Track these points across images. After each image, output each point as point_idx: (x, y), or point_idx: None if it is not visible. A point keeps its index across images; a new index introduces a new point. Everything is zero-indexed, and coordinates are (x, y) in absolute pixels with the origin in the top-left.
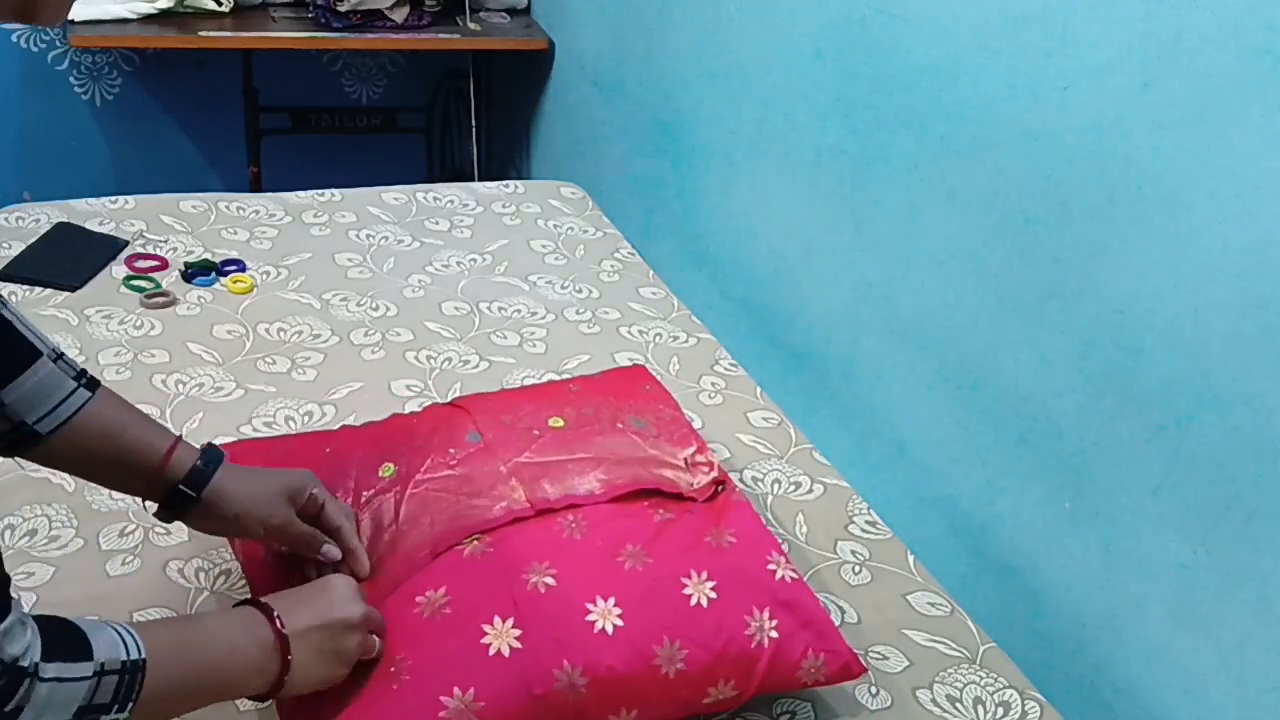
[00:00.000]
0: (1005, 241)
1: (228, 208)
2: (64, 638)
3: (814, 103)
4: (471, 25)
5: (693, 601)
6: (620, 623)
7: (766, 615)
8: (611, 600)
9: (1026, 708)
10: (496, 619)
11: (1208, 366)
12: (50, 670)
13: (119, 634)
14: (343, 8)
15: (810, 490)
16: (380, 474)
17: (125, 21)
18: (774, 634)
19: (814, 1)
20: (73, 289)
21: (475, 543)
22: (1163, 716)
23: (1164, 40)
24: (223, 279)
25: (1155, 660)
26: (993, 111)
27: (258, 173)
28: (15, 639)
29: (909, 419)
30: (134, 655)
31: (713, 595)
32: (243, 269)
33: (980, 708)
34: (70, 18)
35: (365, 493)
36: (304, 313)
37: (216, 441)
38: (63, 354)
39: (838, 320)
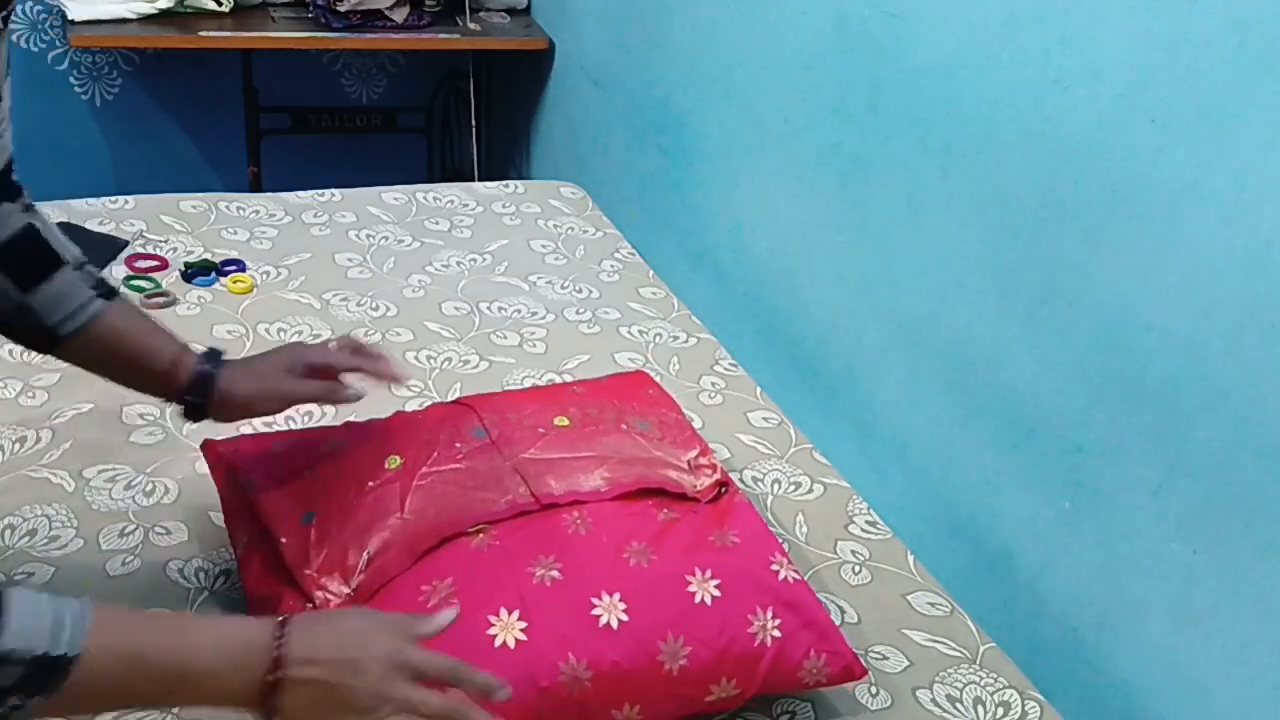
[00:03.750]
0: (1005, 241)
1: (228, 208)
2: None
3: (814, 102)
4: (471, 25)
5: (697, 599)
6: (625, 618)
7: (769, 615)
8: (617, 595)
9: (1026, 708)
10: (502, 611)
11: (1208, 366)
12: None
13: (55, 622)
14: (342, 7)
15: (810, 490)
16: (386, 465)
17: (125, 21)
18: (776, 634)
19: (814, 1)
20: None
21: (481, 535)
22: (1163, 716)
23: (1164, 40)
24: (223, 279)
25: (1155, 660)
26: (993, 111)
27: (258, 173)
28: None
29: (909, 419)
30: (59, 651)
31: (716, 594)
32: (243, 269)
33: (980, 708)
34: (70, 18)
35: (370, 483)
36: (304, 313)
37: (216, 439)
38: (85, 263)
39: (838, 320)
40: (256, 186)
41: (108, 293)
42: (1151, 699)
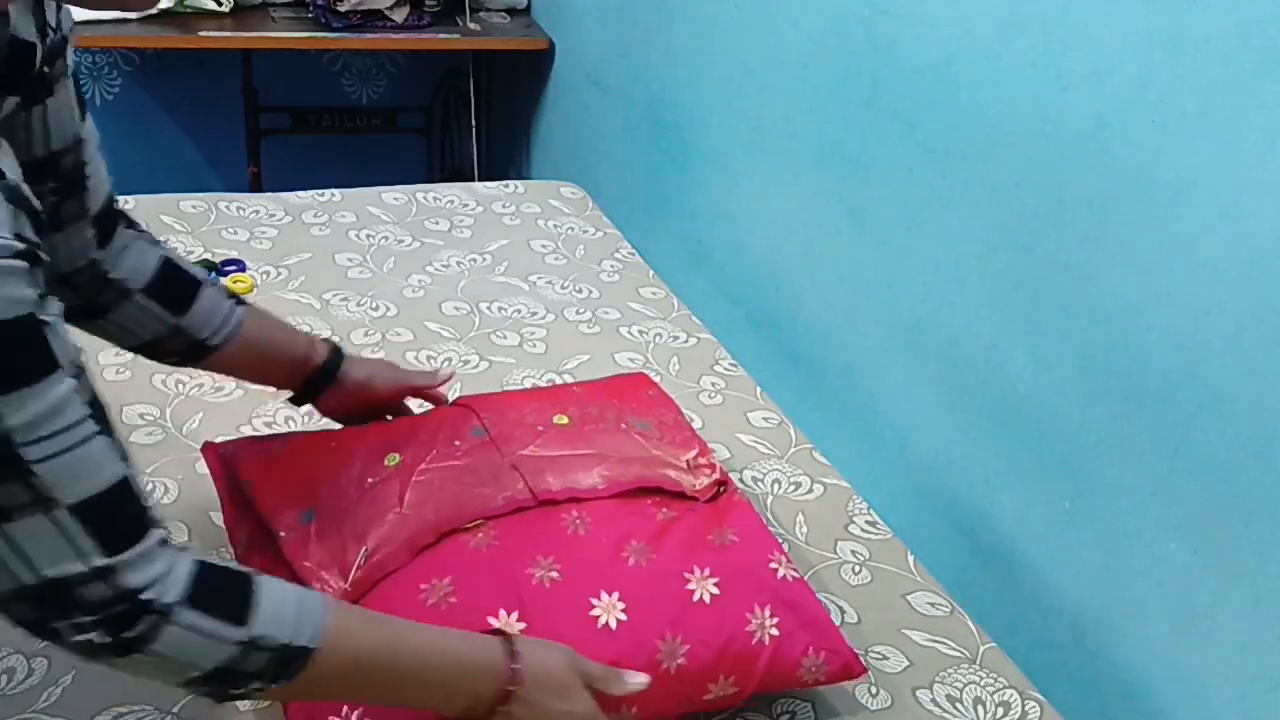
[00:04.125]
0: (1005, 241)
1: (228, 208)
2: (223, 591)
3: (814, 102)
4: (471, 25)
5: (695, 598)
6: (624, 617)
7: (768, 613)
8: (615, 595)
9: (1026, 708)
10: (501, 612)
11: (1208, 366)
12: (189, 617)
13: (303, 610)
14: (342, 8)
15: (810, 490)
16: (385, 463)
17: (125, 21)
18: (775, 632)
19: (814, 1)
20: None
21: (480, 534)
22: (1163, 716)
23: (1164, 40)
24: (223, 279)
25: (1155, 660)
26: (993, 111)
27: (258, 173)
28: (142, 569)
29: (909, 419)
30: (302, 641)
31: (715, 592)
32: (243, 269)
33: (980, 708)
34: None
35: (369, 480)
36: (304, 313)
37: (216, 440)
38: (209, 279)
39: (838, 320)
40: (256, 186)
41: (239, 300)
42: (1152, 699)
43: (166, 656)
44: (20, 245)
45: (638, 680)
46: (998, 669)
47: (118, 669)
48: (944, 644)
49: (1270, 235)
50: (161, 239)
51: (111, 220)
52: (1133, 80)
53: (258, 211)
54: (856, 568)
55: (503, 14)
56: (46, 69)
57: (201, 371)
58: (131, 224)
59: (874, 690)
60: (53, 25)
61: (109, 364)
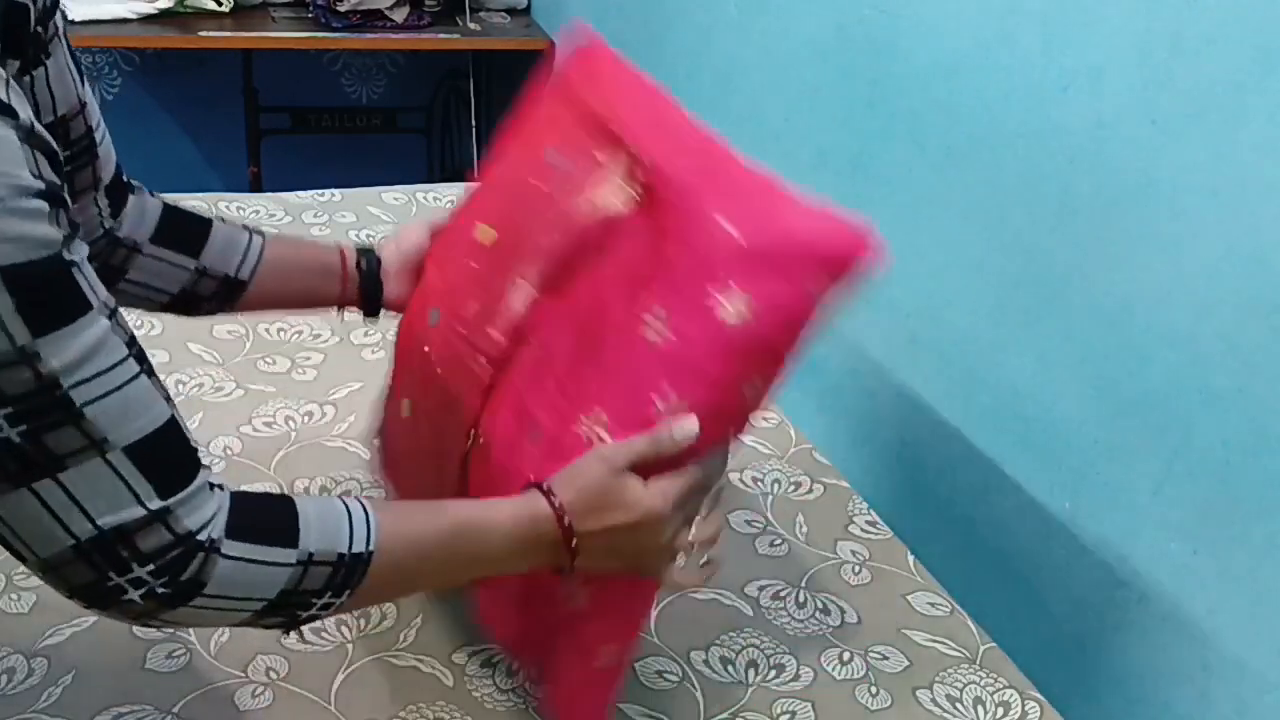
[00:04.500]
0: (1005, 241)
1: (227, 208)
2: (265, 517)
3: (813, 103)
4: (471, 25)
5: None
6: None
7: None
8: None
9: (1026, 708)
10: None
11: (1208, 367)
12: (236, 549)
13: (351, 520)
14: (342, 8)
15: (810, 490)
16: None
17: (125, 21)
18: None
19: (813, 1)
20: None
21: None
22: (1163, 717)
23: (1164, 40)
24: None
25: (1155, 660)
26: (993, 111)
27: (257, 173)
28: (197, 509)
29: (909, 419)
30: (358, 548)
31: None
32: None
33: (980, 708)
34: (70, 18)
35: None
36: (304, 312)
37: (218, 440)
38: (219, 216)
39: (837, 320)
40: (256, 186)
41: (256, 229)
42: (1152, 699)
43: (225, 594)
44: (40, 184)
45: (686, 429)
46: (998, 669)
47: (182, 624)
48: (944, 644)
49: (1270, 235)
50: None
51: (123, 190)
52: (1133, 80)
53: (258, 211)
54: (856, 568)
55: (503, 14)
56: (40, 30)
57: (201, 370)
58: (130, 186)
59: (874, 690)
60: None
61: None
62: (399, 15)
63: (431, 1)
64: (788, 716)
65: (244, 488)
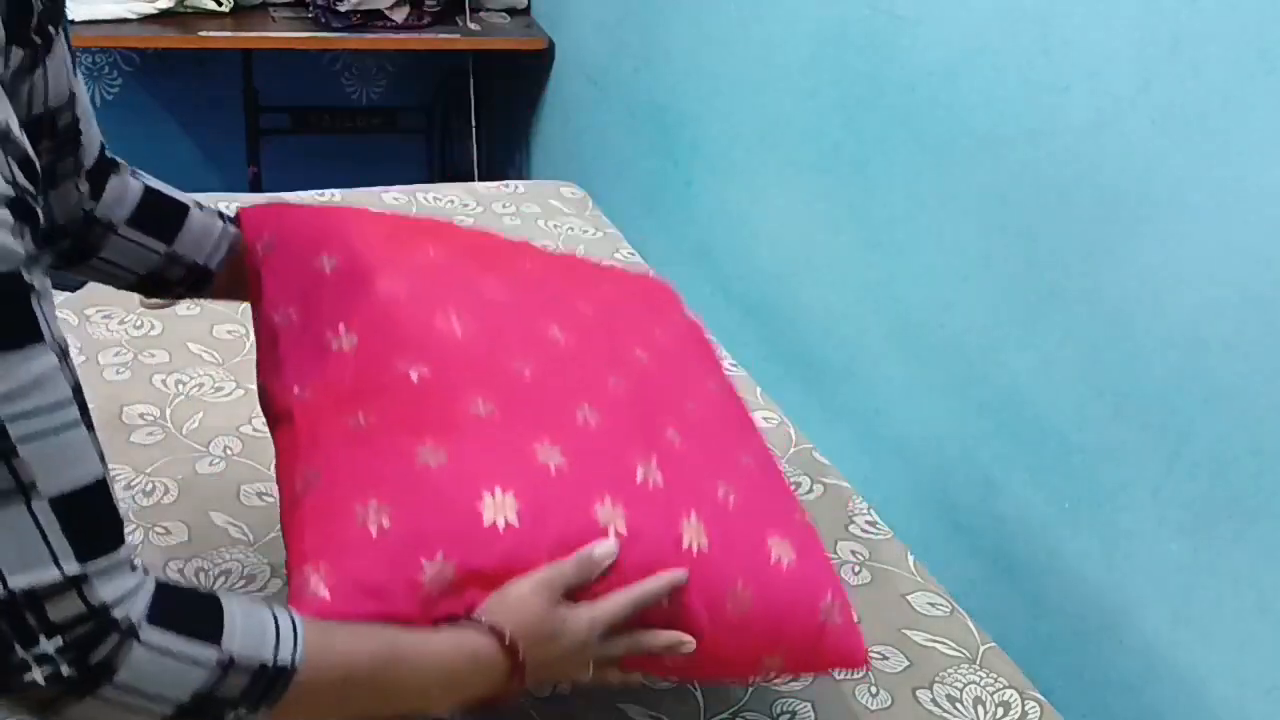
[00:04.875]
0: (1006, 241)
1: (227, 208)
2: (189, 608)
3: (814, 102)
4: (471, 25)
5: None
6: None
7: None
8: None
9: (1026, 708)
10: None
11: (1208, 366)
12: (155, 637)
13: (278, 629)
14: (343, 8)
15: (810, 490)
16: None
17: (125, 21)
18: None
19: (814, 2)
20: (73, 289)
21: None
22: (1162, 717)
23: (1164, 40)
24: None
25: (1155, 661)
26: (993, 111)
27: (257, 173)
28: (110, 582)
29: (909, 419)
30: (283, 660)
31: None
32: None
33: (980, 708)
34: (70, 18)
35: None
36: None
37: (218, 440)
38: (199, 202)
39: (838, 320)
40: (256, 187)
41: (231, 219)
42: (1151, 699)
43: (136, 687)
44: (11, 192)
45: (606, 549)
46: (998, 669)
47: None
48: (944, 644)
49: (1270, 235)
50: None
51: (104, 173)
52: (1132, 80)
53: None
54: (856, 568)
55: (502, 14)
56: (51, 28)
57: (201, 370)
58: (123, 170)
59: (874, 690)
60: None
61: (109, 364)
62: (399, 15)
63: (431, 2)
64: (788, 716)
65: (171, 579)
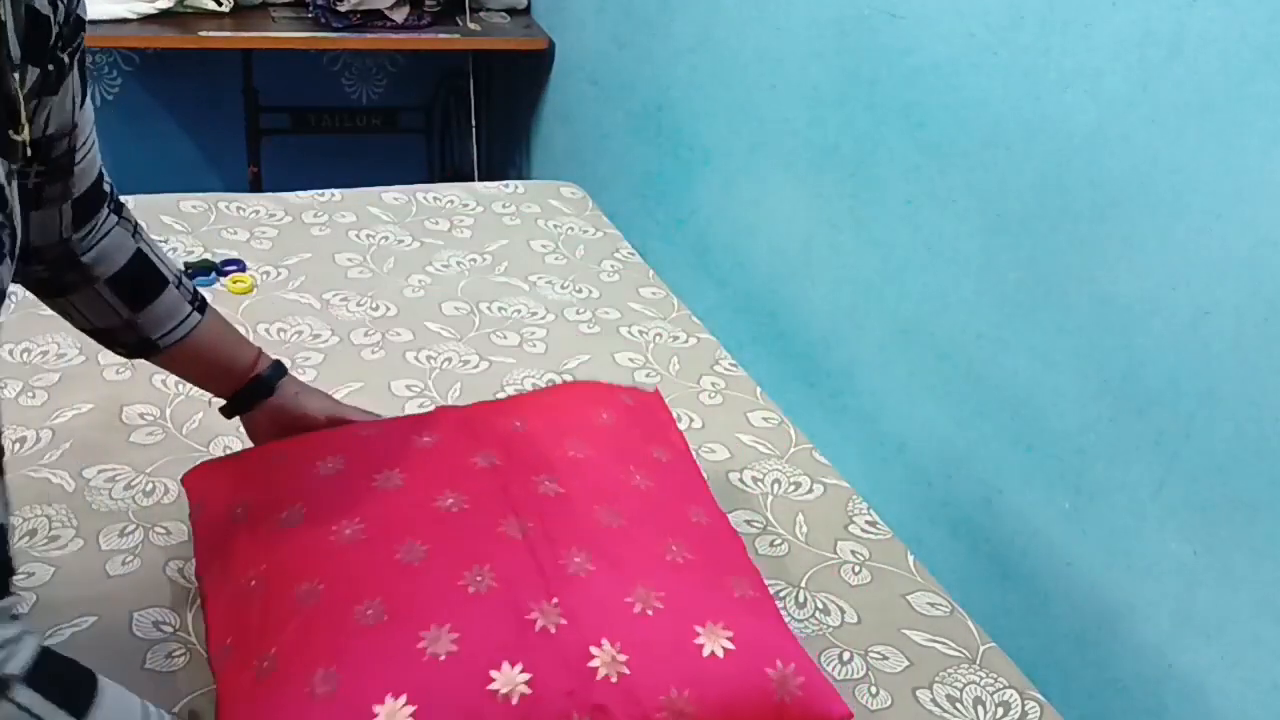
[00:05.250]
0: (1005, 241)
1: (227, 208)
2: (66, 679)
3: (814, 102)
4: (471, 25)
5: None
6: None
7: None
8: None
9: (1027, 708)
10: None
11: (1209, 366)
12: (26, 698)
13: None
14: (343, 7)
15: (810, 490)
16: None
17: (125, 21)
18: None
19: (814, 1)
20: None
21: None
22: (1163, 717)
23: (1164, 40)
24: (222, 279)
25: (1156, 660)
26: (993, 111)
27: (258, 173)
28: None
29: (909, 419)
30: None
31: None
32: (242, 269)
33: (980, 708)
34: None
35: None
36: (304, 313)
37: (218, 440)
38: (181, 278)
39: (838, 320)
40: (256, 186)
41: (201, 306)
42: (1151, 699)
43: None
44: None
45: None
46: (998, 669)
47: None
48: (944, 644)
49: (1270, 234)
50: (160, 238)
51: (94, 204)
52: (1132, 80)
53: (258, 211)
54: (856, 568)
55: (503, 14)
56: (66, 57)
57: None
58: (119, 208)
59: (874, 690)
60: None
61: (109, 364)
62: (399, 15)
63: (431, 1)
64: None
65: (51, 649)
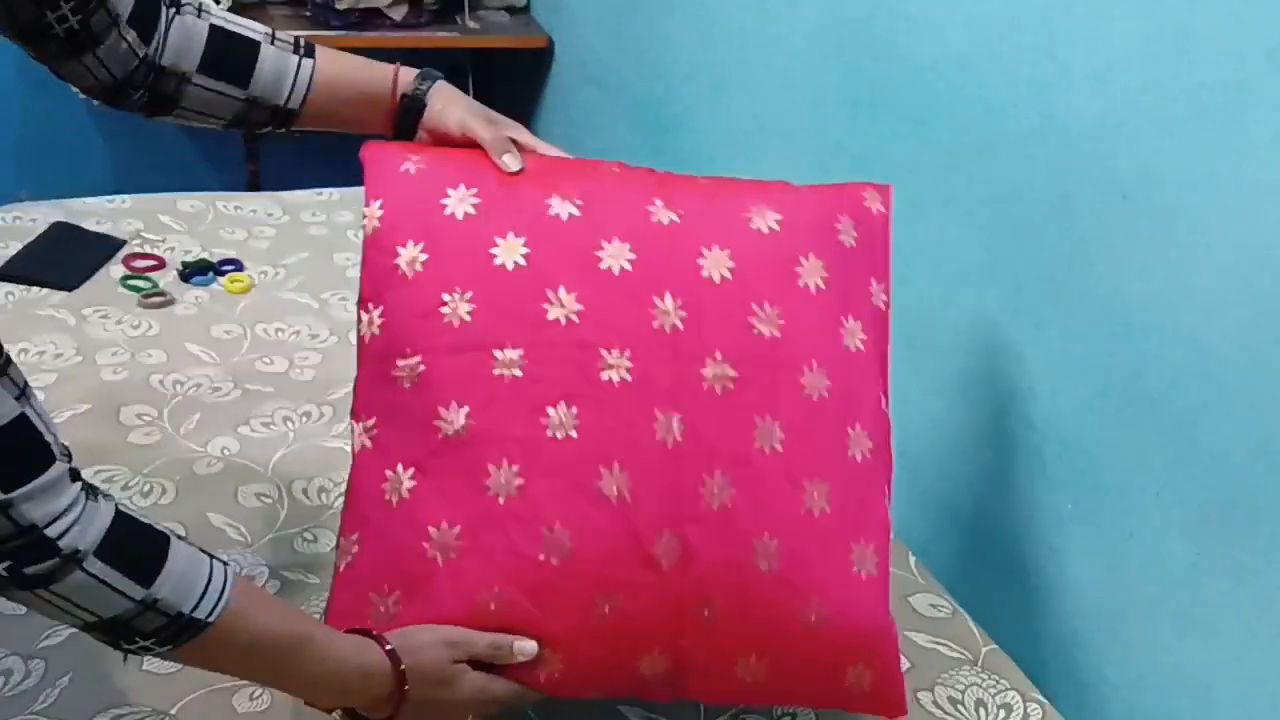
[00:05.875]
0: (1007, 240)
1: (225, 207)
2: (137, 546)
3: (814, 101)
4: (470, 23)
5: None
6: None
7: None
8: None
9: (1029, 710)
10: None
11: (1211, 367)
12: (97, 568)
13: (208, 583)
14: (341, 6)
15: None
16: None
17: None
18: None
19: (814, 1)
20: (70, 289)
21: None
22: (1165, 718)
23: (1166, 40)
24: (220, 278)
25: (1159, 662)
26: (994, 110)
27: (256, 171)
28: (45, 502)
29: (909, 419)
30: (200, 614)
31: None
32: (240, 268)
33: (982, 709)
34: None
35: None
36: (302, 312)
37: (216, 441)
38: (272, 32)
39: None
40: (255, 185)
41: (309, 50)
42: (1154, 700)
43: (66, 598)
44: None
45: (525, 648)
46: (1000, 671)
47: (14, 601)
48: (945, 645)
49: (1274, 234)
50: (158, 238)
51: (152, 15)
52: (1136, 79)
53: (255, 210)
54: None
55: (502, 12)
56: None
57: (199, 370)
58: (175, 2)
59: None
60: None
61: (106, 364)
62: (398, 13)
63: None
64: (789, 718)
65: (131, 509)
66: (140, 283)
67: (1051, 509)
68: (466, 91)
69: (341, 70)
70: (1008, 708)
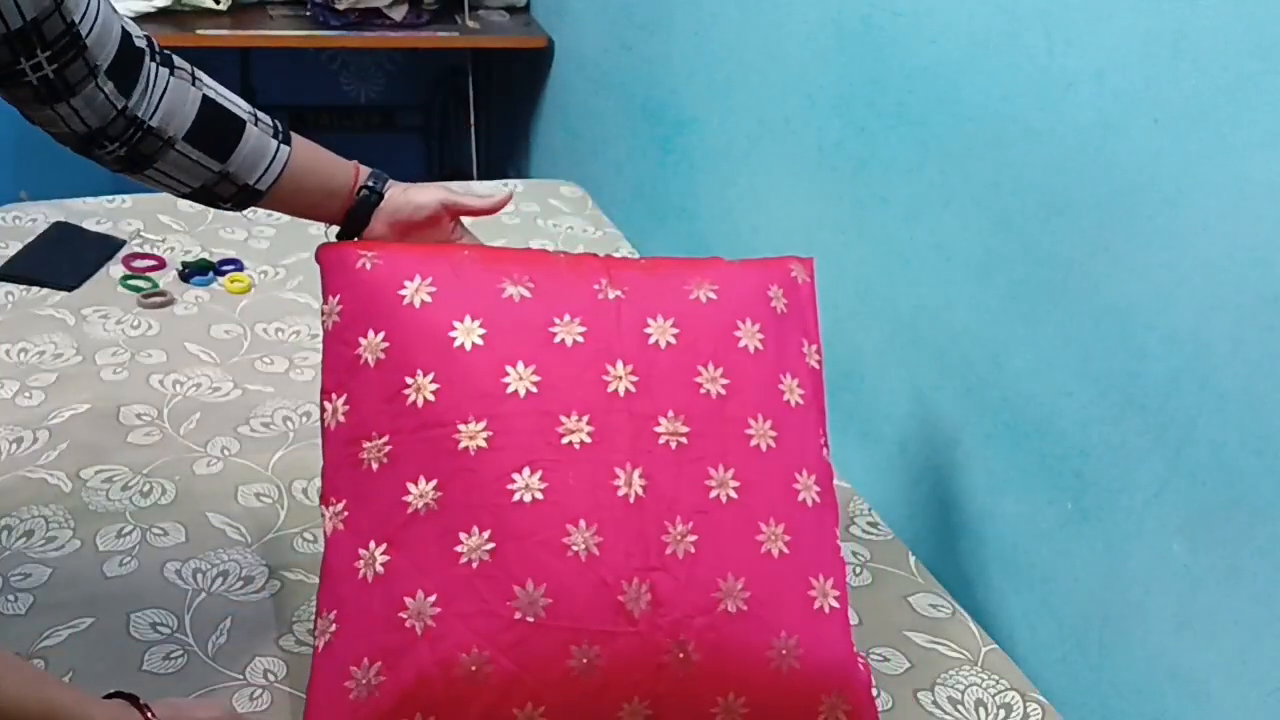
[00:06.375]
0: (1007, 241)
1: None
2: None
3: (814, 101)
4: (470, 23)
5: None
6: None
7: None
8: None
9: (1028, 710)
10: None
11: (1210, 367)
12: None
13: None
14: (341, 6)
15: None
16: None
17: None
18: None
19: (814, 1)
20: (70, 289)
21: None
22: (1164, 718)
23: (1166, 39)
24: (220, 278)
25: (1158, 662)
26: (994, 110)
27: None
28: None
29: (909, 419)
30: None
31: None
32: (240, 268)
33: (982, 710)
34: None
35: None
36: (302, 312)
37: (215, 441)
38: (256, 114)
39: (839, 320)
40: None
41: (286, 137)
42: (1153, 700)
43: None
44: None
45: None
46: (999, 671)
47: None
48: (945, 645)
49: (1272, 234)
50: (157, 238)
51: (133, 66)
52: (1134, 79)
53: (256, 211)
54: (857, 569)
55: (501, 12)
56: None
57: (199, 370)
58: (166, 60)
59: (875, 692)
60: None
61: (106, 364)
62: (397, 13)
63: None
64: None
65: None
66: (140, 283)
67: (1051, 509)
68: (466, 91)
69: (310, 162)
70: (1008, 708)
